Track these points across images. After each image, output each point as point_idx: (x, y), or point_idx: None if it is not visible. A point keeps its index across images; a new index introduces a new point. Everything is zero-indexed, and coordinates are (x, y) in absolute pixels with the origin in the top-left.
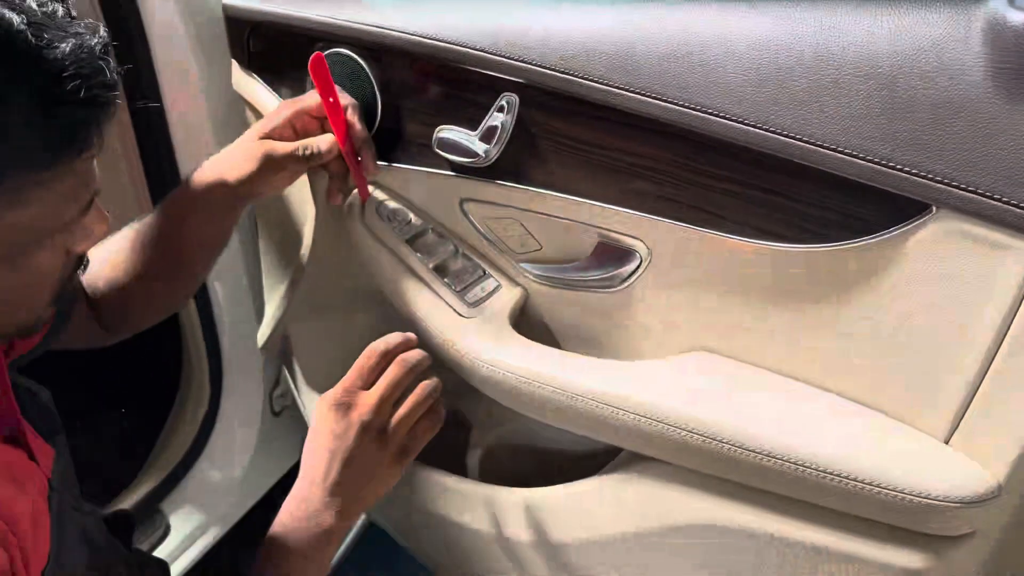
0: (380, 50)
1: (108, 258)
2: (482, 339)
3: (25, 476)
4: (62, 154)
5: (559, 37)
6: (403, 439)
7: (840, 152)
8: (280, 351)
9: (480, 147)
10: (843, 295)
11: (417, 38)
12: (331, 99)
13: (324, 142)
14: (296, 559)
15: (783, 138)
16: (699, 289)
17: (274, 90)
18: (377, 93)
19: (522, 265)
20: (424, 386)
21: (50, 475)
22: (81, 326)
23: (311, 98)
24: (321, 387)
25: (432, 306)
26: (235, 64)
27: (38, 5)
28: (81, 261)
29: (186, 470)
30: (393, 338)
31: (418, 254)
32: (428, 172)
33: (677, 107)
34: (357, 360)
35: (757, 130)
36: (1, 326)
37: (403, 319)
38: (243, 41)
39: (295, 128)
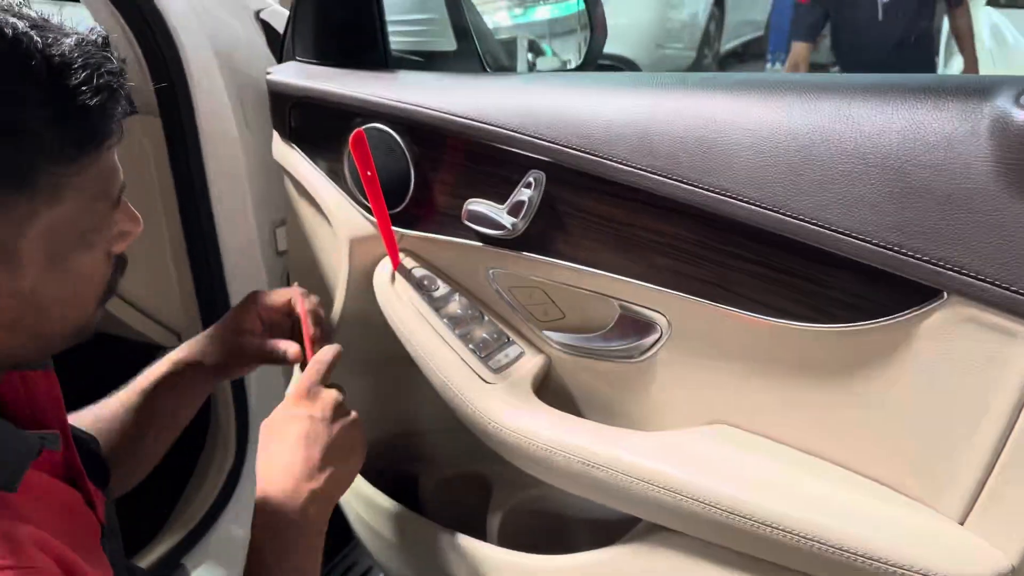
0: (414, 126)
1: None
2: (505, 405)
3: (81, 517)
4: (86, 146)
5: (584, 119)
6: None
7: (853, 237)
8: None
9: (507, 220)
10: (857, 374)
11: (450, 116)
12: (369, 173)
13: (291, 350)
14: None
15: (798, 222)
16: (719, 362)
17: (312, 161)
18: (411, 166)
19: (545, 333)
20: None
21: (104, 520)
22: None
23: (278, 296)
24: None
25: (457, 371)
26: (276, 135)
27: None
28: (122, 265)
29: (210, 525)
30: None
31: (444, 320)
32: (457, 242)
33: (695, 189)
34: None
35: (773, 213)
36: (56, 330)
37: (429, 381)
38: (284, 115)
39: (262, 320)
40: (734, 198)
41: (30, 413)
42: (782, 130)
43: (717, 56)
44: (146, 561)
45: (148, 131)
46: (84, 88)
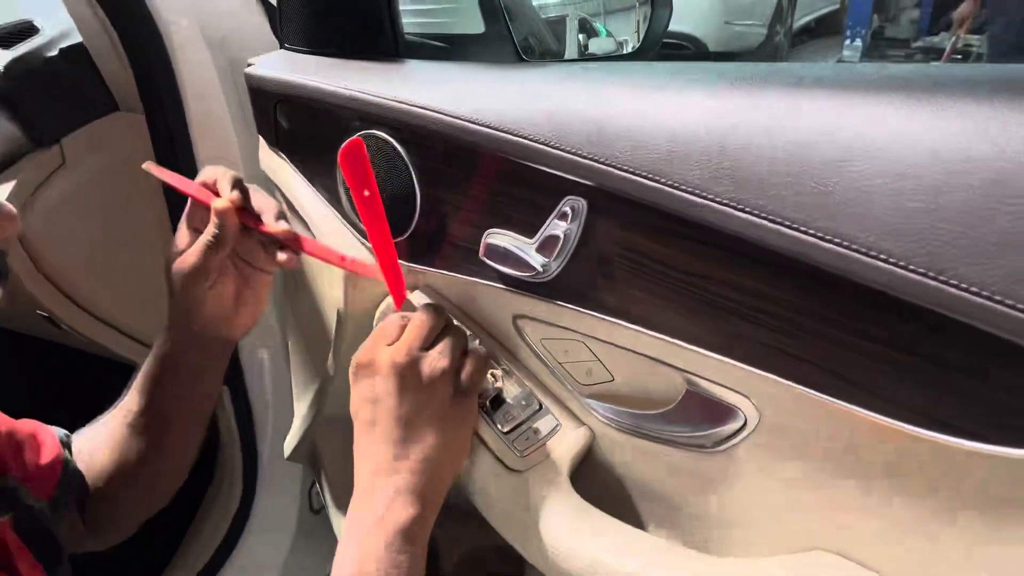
0: (420, 135)
1: (95, 447)
2: (536, 504)
3: None
4: None
5: (642, 130)
6: (451, 372)
7: None
8: (309, 458)
9: (537, 260)
10: None
11: (465, 123)
12: (366, 193)
13: (218, 207)
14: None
15: (972, 298)
16: (825, 473)
17: (303, 174)
18: (416, 185)
19: (588, 401)
20: (454, 325)
21: None
22: (75, 530)
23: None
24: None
25: (475, 455)
26: (262, 142)
27: None
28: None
29: (214, 573)
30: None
31: None
32: (472, 282)
33: (802, 236)
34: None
35: (930, 282)
36: None
37: None
38: (269, 116)
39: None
40: (864, 253)
41: None
42: (949, 155)
43: (789, 32)
44: None
45: (132, 131)
46: None
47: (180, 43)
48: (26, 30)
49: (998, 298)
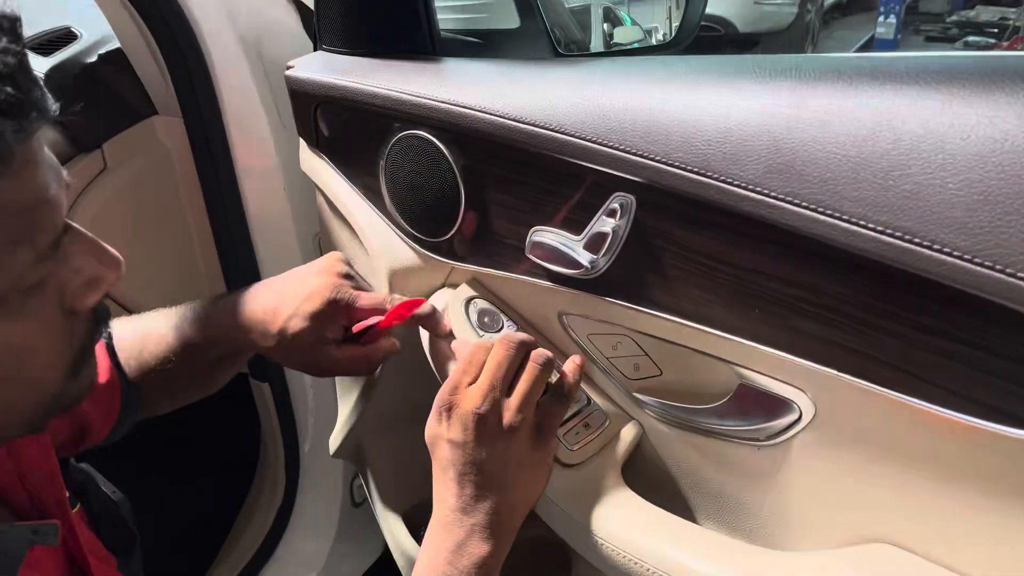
0: (464, 134)
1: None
2: (587, 498)
3: None
4: None
5: (693, 126)
6: (531, 416)
7: None
8: (353, 455)
9: (585, 257)
10: None
11: (509, 122)
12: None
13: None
14: None
15: None
16: (884, 467)
17: (344, 175)
18: (460, 184)
19: (636, 395)
20: (536, 356)
21: None
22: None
23: (367, 300)
24: (395, 501)
25: None
26: (303, 144)
27: None
28: (100, 321)
29: (258, 568)
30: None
31: None
32: (519, 279)
33: (864, 231)
34: (461, 359)
35: (995, 274)
36: (11, 401)
37: None
38: (310, 118)
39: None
40: (926, 247)
41: (26, 496)
42: (1009, 146)
43: (820, 10)
44: None
45: (170, 135)
46: None
47: (216, 46)
48: (64, 36)
49: None
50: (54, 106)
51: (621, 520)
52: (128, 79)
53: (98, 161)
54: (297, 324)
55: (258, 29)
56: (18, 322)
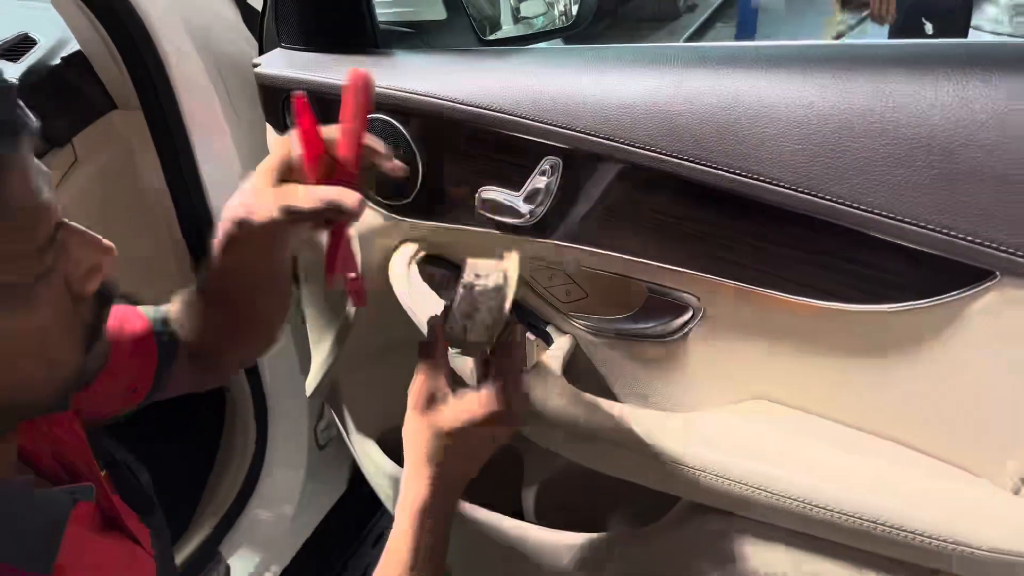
0: (418, 116)
1: (184, 302)
2: (535, 394)
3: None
4: None
5: (601, 102)
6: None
7: (900, 221)
8: (328, 394)
9: (524, 207)
10: (909, 353)
11: (456, 105)
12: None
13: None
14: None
15: (838, 206)
16: (758, 343)
17: None
18: (418, 157)
19: (570, 315)
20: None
21: (152, 552)
22: (182, 374)
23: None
24: (372, 431)
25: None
26: (269, 129)
27: None
28: (104, 300)
29: (239, 511)
30: None
31: None
32: (471, 230)
33: (724, 173)
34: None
35: (811, 198)
36: (26, 384)
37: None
38: (278, 109)
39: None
40: (767, 182)
41: (59, 464)
42: (814, 112)
43: None
44: (182, 555)
45: (131, 128)
46: None
47: (170, 43)
48: (23, 41)
49: (850, 203)
50: (35, 124)
51: (564, 405)
52: (90, 77)
53: (69, 155)
54: (259, 181)
55: (205, 25)
56: (33, 311)
